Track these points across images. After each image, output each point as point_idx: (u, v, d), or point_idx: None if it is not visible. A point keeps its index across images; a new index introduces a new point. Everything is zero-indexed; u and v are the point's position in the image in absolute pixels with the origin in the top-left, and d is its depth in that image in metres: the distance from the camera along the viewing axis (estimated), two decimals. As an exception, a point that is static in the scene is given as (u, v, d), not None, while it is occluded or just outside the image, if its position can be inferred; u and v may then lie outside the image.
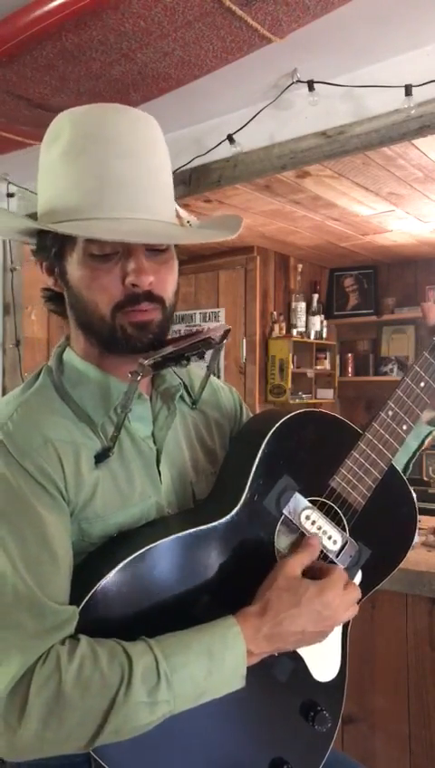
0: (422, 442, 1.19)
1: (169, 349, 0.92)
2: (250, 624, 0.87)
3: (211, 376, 1.12)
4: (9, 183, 2.93)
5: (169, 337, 0.98)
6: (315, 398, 4.54)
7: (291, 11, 1.68)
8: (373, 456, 1.02)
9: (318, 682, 0.99)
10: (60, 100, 2.12)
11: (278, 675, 0.94)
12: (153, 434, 1.00)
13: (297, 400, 4.25)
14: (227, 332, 0.99)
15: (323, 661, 1.00)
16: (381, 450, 1.02)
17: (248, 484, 0.94)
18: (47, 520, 0.85)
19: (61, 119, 0.94)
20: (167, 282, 0.95)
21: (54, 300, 1.01)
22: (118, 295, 0.91)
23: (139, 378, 0.90)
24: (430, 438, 1.20)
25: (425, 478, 3.84)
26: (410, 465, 1.20)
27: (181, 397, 1.06)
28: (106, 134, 0.90)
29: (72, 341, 1.01)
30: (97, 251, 0.90)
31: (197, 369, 1.11)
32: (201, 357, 0.98)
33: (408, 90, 1.89)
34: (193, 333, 0.96)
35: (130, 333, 0.92)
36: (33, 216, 0.98)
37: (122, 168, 0.89)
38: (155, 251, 0.93)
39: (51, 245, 0.93)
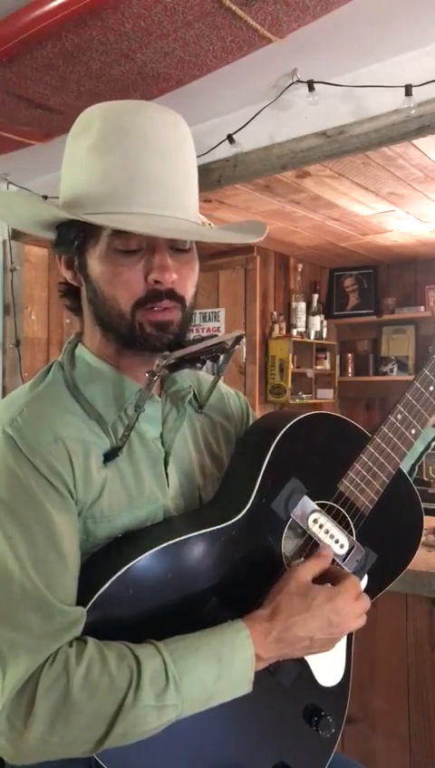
0: (428, 445, 1.18)
1: (186, 350, 0.92)
2: (259, 628, 0.86)
3: (220, 381, 1.11)
4: (9, 183, 2.93)
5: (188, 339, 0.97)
6: (315, 398, 4.53)
7: (291, 11, 1.68)
8: (382, 459, 1.01)
9: (322, 687, 0.98)
10: (60, 100, 2.12)
11: (283, 679, 0.93)
12: (162, 435, 0.99)
13: (297, 400, 4.25)
14: (239, 338, 0.99)
15: (328, 666, 0.99)
16: (389, 454, 1.02)
17: (257, 486, 0.93)
18: (56, 519, 0.84)
19: (91, 112, 0.93)
20: (188, 281, 0.94)
21: (70, 295, 1.00)
22: (139, 292, 0.90)
23: (155, 378, 0.89)
24: None
25: (425, 478, 3.84)
26: (416, 468, 1.19)
27: (189, 400, 1.05)
28: (141, 130, 0.89)
29: (86, 338, 0.99)
30: (122, 246, 0.89)
31: (205, 373, 1.11)
32: (215, 360, 0.97)
33: (408, 90, 1.89)
34: (206, 337, 0.96)
35: (150, 332, 0.91)
36: None
37: (155, 165, 0.88)
38: (179, 250, 0.92)
39: (73, 238, 0.92)
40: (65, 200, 0.94)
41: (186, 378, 1.05)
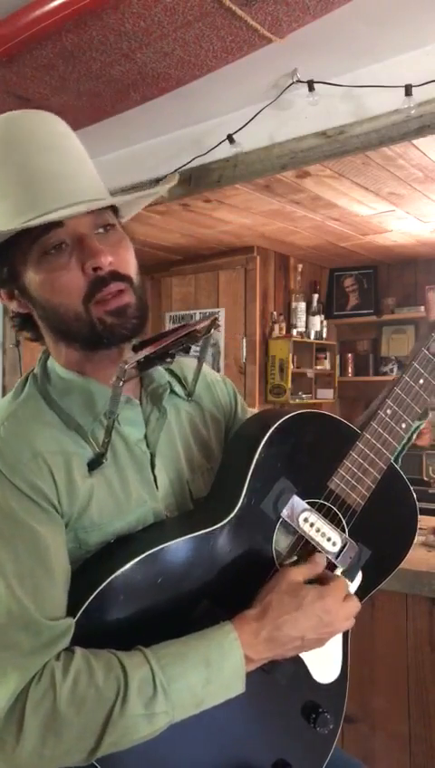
0: (410, 436, 1.17)
1: (148, 350, 0.90)
2: (249, 628, 0.86)
3: (207, 368, 1.10)
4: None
5: (156, 333, 0.96)
6: (315, 399, 4.53)
7: (291, 11, 1.68)
8: (372, 455, 1.01)
9: (319, 684, 0.98)
10: (60, 100, 2.12)
11: (279, 677, 0.93)
12: (146, 437, 0.98)
13: (297, 400, 4.25)
14: (213, 322, 0.97)
15: (325, 663, 1.00)
16: (379, 450, 1.01)
17: (245, 487, 0.93)
18: (41, 534, 0.84)
19: None
20: (127, 259, 0.93)
21: (27, 325, 0.98)
22: (83, 286, 0.88)
23: (121, 383, 0.87)
24: (421, 429, 1.18)
25: (425, 478, 3.84)
26: (399, 459, 1.17)
27: (174, 391, 1.04)
28: (19, 135, 0.89)
29: (53, 355, 0.98)
30: (47, 248, 0.88)
31: (189, 360, 1.10)
32: (187, 352, 0.96)
33: (408, 90, 1.90)
34: (177, 328, 0.94)
35: (111, 323, 0.89)
36: None
37: (48, 161, 0.88)
38: (105, 231, 0.91)
39: (1, 265, 0.91)
40: None
41: (163, 373, 1.04)
